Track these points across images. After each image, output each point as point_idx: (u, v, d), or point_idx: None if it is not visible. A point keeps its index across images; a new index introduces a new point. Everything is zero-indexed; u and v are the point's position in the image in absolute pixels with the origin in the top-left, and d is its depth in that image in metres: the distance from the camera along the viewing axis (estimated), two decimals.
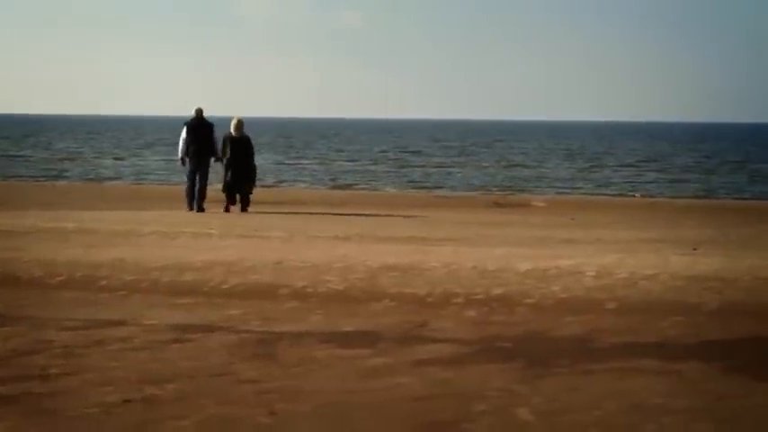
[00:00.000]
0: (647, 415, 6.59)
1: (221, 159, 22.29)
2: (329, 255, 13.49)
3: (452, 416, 6.56)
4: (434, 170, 50.94)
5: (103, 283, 11.66)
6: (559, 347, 8.64)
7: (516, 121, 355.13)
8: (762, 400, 7.06)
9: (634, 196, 35.16)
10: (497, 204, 27.97)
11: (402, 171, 50.16)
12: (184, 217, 20.62)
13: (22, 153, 61.73)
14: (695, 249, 14.86)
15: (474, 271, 12.10)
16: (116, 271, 12.24)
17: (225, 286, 11.42)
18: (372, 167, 53.11)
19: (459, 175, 47.68)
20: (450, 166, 54.44)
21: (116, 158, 58.42)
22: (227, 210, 22.17)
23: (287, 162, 56.81)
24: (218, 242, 15.49)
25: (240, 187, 22.31)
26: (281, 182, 40.46)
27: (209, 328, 9.27)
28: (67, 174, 44.49)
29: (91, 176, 43.04)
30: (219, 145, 22.32)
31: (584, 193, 36.65)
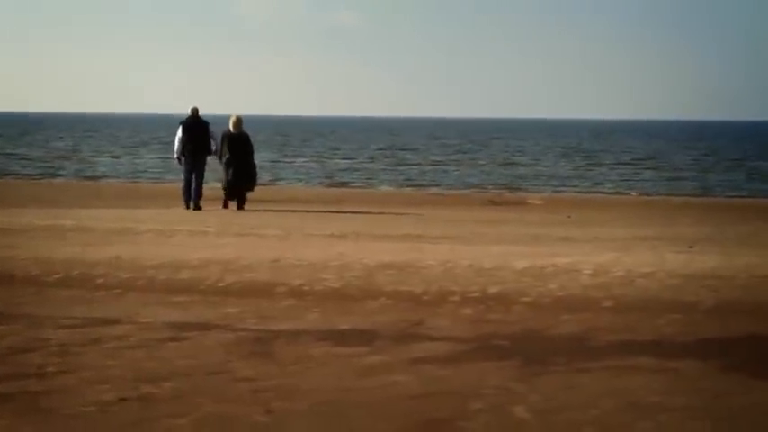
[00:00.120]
0: (643, 413, 6.59)
1: (220, 158, 22.26)
2: (326, 253, 13.48)
3: (449, 414, 6.56)
4: (431, 168, 50.94)
5: (100, 281, 11.65)
6: (556, 345, 8.64)
7: (515, 120, 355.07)
8: (759, 397, 7.05)
9: (629, 194, 35.16)
10: (494, 202, 27.98)
11: (399, 169, 50.14)
12: (181, 215, 20.62)
13: (17, 151, 61.66)
14: (691, 247, 14.86)
15: (470, 269, 12.10)
16: (112, 269, 12.23)
17: (221, 284, 11.41)
18: (369, 165, 53.10)
19: (456, 173, 47.68)
20: (446, 164, 54.44)
21: (112, 156, 58.41)
22: (225, 206, 22.17)
23: (283, 160, 56.79)
24: (214, 240, 15.48)
25: (242, 185, 22.27)
26: (278, 180, 40.45)
27: (205, 327, 9.26)
28: (64, 172, 44.46)
29: (87, 174, 43.02)
30: (218, 141, 22.30)
31: (580, 191, 36.66)
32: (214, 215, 20.69)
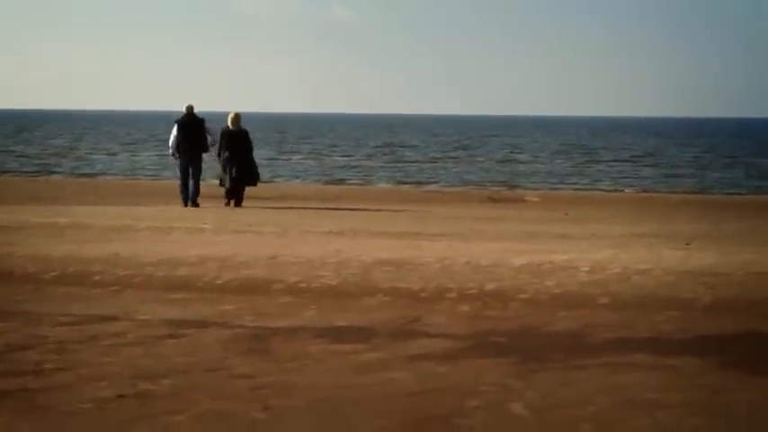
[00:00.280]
0: (640, 410, 6.59)
1: (219, 155, 22.20)
2: (323, 250, 13.49)
3: (446, 411, 6.57)
4: (429, 165, 50.94)
5: (97, 278, 11.65)
6: (553, 342, 8.64)
7: (514, 117, 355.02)
8: (756, 394, 7.06)
9: (623, 191, 35.15)
10: (491, 199, 28.00)
11: (397, 166, 50.15)
12: (179, 212, 20.62)
13: (15, 148, 61.62)
14: (688, 244, 14.87)
15: (468, 266, 12.10)
16: (110, 266, 12.23)
17: (219, 281, 11.41)
18: (366, 162, 53.10)
19: (455, 170, 47.68)
20: (444, 161, 54.45)
21: (110, 153, 58.37)
22: (228, 204, 22.14)
23: (281, 157, 56.78)
24: (212, 237, 15.48)
25: (245, 183, 22.24)
26: (276, 177, 40.44)
27: (202, 324, 9.26)
28: (61, 169, 44.44)
29: (85, 171, 43.01)
30: (217, 137, 22.25)
31: (578, 188, 36.67)
32: (212, 212, 20.69)
